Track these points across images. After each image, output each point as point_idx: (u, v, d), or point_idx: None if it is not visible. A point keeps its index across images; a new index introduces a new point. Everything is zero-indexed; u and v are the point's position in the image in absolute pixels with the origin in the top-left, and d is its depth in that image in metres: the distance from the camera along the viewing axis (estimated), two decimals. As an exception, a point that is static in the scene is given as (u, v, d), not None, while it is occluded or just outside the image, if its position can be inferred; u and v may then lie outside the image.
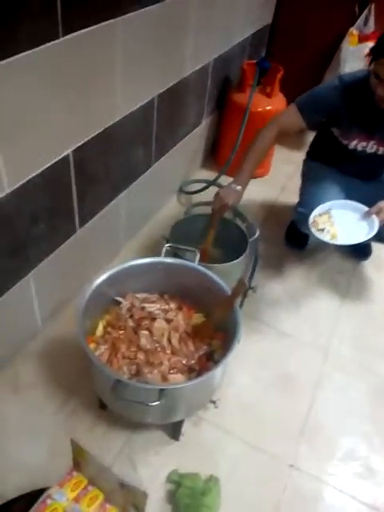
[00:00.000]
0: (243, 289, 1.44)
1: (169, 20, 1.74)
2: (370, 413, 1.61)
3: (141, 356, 1.39)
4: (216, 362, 1.36)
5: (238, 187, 1.64)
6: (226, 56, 2.42)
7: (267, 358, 1.75)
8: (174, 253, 1.64)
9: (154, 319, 1.48)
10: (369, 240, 1.69)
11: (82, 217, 1.68)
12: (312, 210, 1.72)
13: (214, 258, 1.78)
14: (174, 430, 1.45)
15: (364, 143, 1.81)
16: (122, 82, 1.58)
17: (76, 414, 1.50)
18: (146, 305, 1.53)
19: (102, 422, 1.48)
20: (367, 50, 2.57)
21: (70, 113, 1.39)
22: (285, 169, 2.78)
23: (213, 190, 2.16)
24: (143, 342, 1.42)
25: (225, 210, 1.68)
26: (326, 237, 1.66)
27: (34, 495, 1.10)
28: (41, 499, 1.08)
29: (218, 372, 1.29)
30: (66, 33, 1.23)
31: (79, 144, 1.49)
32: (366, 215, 1.71)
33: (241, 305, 1.77)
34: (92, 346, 1.40)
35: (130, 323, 1.48)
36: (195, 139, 2.51)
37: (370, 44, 2.55)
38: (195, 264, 1.55)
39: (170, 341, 1.44)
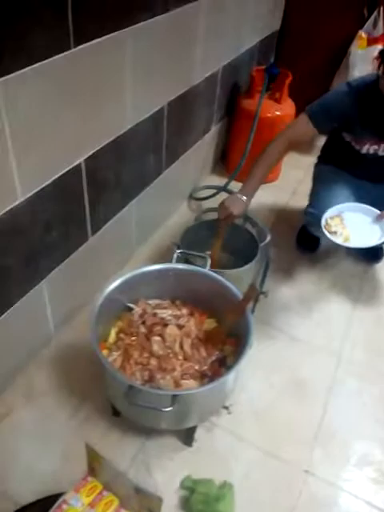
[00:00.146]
0: (255, 294, 1.44)
1: (178, 29, 1.76)
2: (385, 417, 1.60)
3: (153, 362, 1.39)
4: (228, 368, 1.36)
5: (244, 197, 1.63)
6: (234, 63, 2.44)
7: (280, 363, 1.74)
8: (185, 259, 1.65)
9: (166, 325, 1.49)
10: (382, 244, 1.68)
11: (94, 224, 1.70)
12: (322, 211, 1.72)
13: (225, 264, 1.78)
14: (187, 436, 1.45)
15: (376, 146, 1.81)
16: (133, 91, 1.60)
17: (89, 420, 1.50)
18: (157, 311, 1.54)
19: (116, 428, 1.49)
20: (376, 53, 2.59)
21: (81, 122, 1.41)
22: (295, 173, 2.78)
23: (223, 196, 2.17)
24: (155, 348, 1.42)
25: (230, 219, 1.67)
26: (338, 239, 1.65)
27: (49, 500, 1.11)
28: (56, 504, 1.08)
29: (230, 377, 1.30)
30: (77, 44, 1.26)
31: (91, 153, 1.51)
32: (378, 218, 1.71)
33: (252, 310, 1.77)
34: (105, 352, 1.41)
35: (142, 329, 1.48)
36: (205, 146, 2.52)
37: (379, 47, 2.57)
38: (206, 270, 1.55)
39: (182, 347, 1.45)
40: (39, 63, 1.16)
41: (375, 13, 2.61)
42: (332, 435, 1.53)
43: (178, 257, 1.60)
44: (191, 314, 1.57)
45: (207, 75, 2.18)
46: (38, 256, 1.46)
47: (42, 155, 1.31)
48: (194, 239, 1.81)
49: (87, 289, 1.81)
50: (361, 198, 1.81)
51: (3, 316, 1.41)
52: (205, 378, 1.39)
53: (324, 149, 2.12)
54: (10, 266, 1.36)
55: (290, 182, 2.73)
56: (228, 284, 1.49)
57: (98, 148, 1.54)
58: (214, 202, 2.31)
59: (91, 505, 1.10)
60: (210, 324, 1.56)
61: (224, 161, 2.84)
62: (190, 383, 1.35)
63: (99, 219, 1.73)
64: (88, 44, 1.30)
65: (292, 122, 1.86)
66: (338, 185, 1.91)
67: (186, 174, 2.43)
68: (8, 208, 1.26)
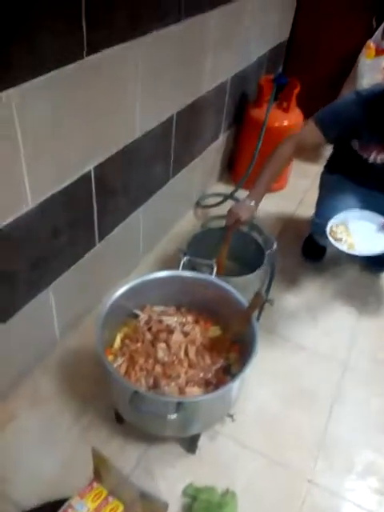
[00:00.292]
0: (260, 302, 1.45)
1: (189, 39, 1.78)
2: (389, 428, 1.60)
3: (158, 368, 1.40)
4: (233, 376, 1.37)
5: (252, 203, 1.64)
6: (243, 72, 2.46)
7: (285, 372, 1.74)
8: (191, 266, 1.66)
9: (171, 332, 1.49)
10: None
11: (102, 231, 1.72)
12: (328, 220, 1.72)
13: (231, 271, 1.79)
14: (191, 444, 1.45)
15: (382, 155, 1.81)
16: (143, 100, 1.62)
17: (92, 426, 1.51)
18: (163, 317, 1.55)
19: (118, 434, 1.49)
20: (385, 63, 2.60)
21: (91, 130, 1.43)
22: (302, 182, 2.79)
23: (230, 204, 2.18)
24: (161, 354, 1.43)
25: (238, 225, 1.68)
26: (343, 246, 1.66)
27: (54, 506, 1.12)
28: (62, 509, 1.09)
29: (235, 385, 1.30)
30: (89, 53, 1.28)
31: (100, 161, 1.53)
32: (384, 226, 1.71)
33: (258, 318, 1.77)
34: (110, 358, 1.42)
35: (148, 336, 1.49)
36: (213, 154, 2.54)
37: (388, 57, 2.57)
38: (212, 277, 1.56)
39: (187, 354, 1.45)
40: (52, 72, 1.18)
41: (383, 24, 2.62)
42: (336, 444, 1.53)
43: (184, 264, 1.61)
44: (196, 322, 1.57)
45: (216, 84, 2.20)
46: (45, 261, 1.48)
47: (53, 163, 1.33)
48: (201, 246, 1.82)
49: (93, 295, 1.83)
50: (368, 207, 1.81)
51: (9, 321, 1.42)
52: (209, 385, 1.39)
53: (331, 158, 2.12)
54: (17, 271, 1.38)
55: (297, 191, 2.74)
56: (234, 292, 1.50)
57: (108, 156, 1.56)
58: (220, 210, 2.32)
59: (96, 510, 1.11)
60: (214, 331, 1.56)
61: (231, 169, 2.86)
62: (194, 390, 1.36)
63: (107, 226, 1.75)
64: (100, 53, 1.32)
65: (300, 127, 1.88)
66: (345, 194, 1.92)
67: (193, 182, 2.44)
68: (18, 214, 1.27)
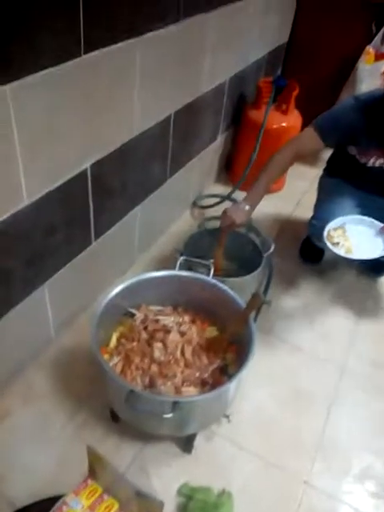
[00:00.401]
0: (258, 303, 1.44)
1: (187, 39, 1.78)
2: (386, 431, 1.59)
3: (154, 368, 1.39)
4: (230, 376, 1.36)
5: (247, 207, 1.63)
6: (242, 74, 2.46)
7: (281, 373, 1.73)
8: (188, 266, 1.65)
9: (168, 332, 1.48)
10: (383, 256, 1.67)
11: (98, 229, 1.71)
12: (326, 223, 1.72)
13: (228, 272, 1.78)
14: (187, 444, 1.44)
15: (381, 160, 1.81)
16: (140, 99, 1.62)
17: (87, 424, 1.50)
18: (160, 317, 1.54)
19: (113, 433, 1.48)
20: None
21: (88, 128, 1.42)
22: (300, 184, 2.78)
23: (227, 204, 2.17)
24: (157, 354, 1.42)
25: (232, 228, 1.67)
26: (340, 250, 1.65)
27: (47, 503, 1.11)
28: (56, 506, 1.09)
29: (232, 386, 1.29)
30: (87, 51, 1.27)
31: (97, 159, 1.52)
32: (382, 231, 1.70)
33: (255, 319, 1.77)
34: (106, 357, 1.41)
35: (144, 335, 1.48)
36: (210, 154, 2.54)
37: (387, 62, 2.58)
38: (209, 278, 1.55)
39: (183, 353, 1.44)
40: (49, 69, 1.18)
41: (383, 29, 2.63)
42: (333, 447, 1.52)
43: (181, 264, 1.61)
44: (193, 322, 1.56)
45: (215, 85, 2.20)
46: (40, 259, 1.47)
47: (49, 160, 1.32)
48: (197, 247, 1.82)
49: (88, 293, 1.82)
50: (366, 211, 1.81)
51: (4, 317, 1.41)
52: (206, 385, 1.38)
53: (329, 161, 2.12)
54: (12, 268, 1.37)
55: (294, 193, 2.74)
56: (231, 292, 1.49)
57: (105, 154, 1.55)
58: (217, 211, 2.31)
59: (91, 508, 1.10)
60: (211, 332, 1.55)
61: (228, 170, 2.85)
62: (190, 390, 1.35)
63: (103, 224, 1.74)
64: (98, 52, 1.32)
65: (299, 134, 1.87)
66: (343, 197, 1.91)
67: (191, 182, 2.44)
68: (13, 211, 1.26)
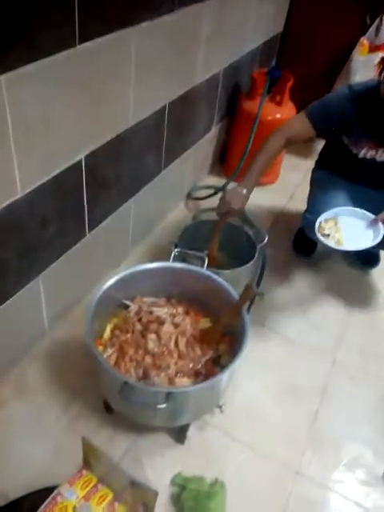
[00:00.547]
0: (251, 294, 1.45)
1: (182, 29, 1.77)
2: (377, 420, 1.61)
3: (148, 359, 1.39)
4: (222, 367, 1.37)
5: (244, 191, 1.63)
6: (236, 64, 2.45)
7: (274, 364, 1.75)
8: (182, 258, 1.65)
9: (161, 323, 1.49)
10: (374, 248, 1.69)
11: (92, 221, 1.71)
12: (318, 216, 1.73)
13: (222, 264, 1.79)
14: (180, 434, 1.46)
15: (373, 152, 1.82)
16: (135, 89, 1.61)
17: (81, 416, 1.51)
18: (154, 309, 1.54)
19: (107, 424, 1.49)
20: (378, 60, 2.60)
21: (83, 119, 1.42)
22: (293, 176, 2.79)
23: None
24: (151, 345, 1.43)
25: (230, 214, 1.68)
26: (330, 242, 1.66)
27: (41, 494, 1.12)
28: (51, 496, 1.09)
29: (224, 377, 1.30)
30: (82, 41, 1.26)
31: (92, 150, 1.52)
32: (373, 223, 1.72)
33: (248, 310, 1.78)
34: (100, 348, 1.41)
35: (138, 327, 1.48)
36: (205, 146, 2.53)
37: (381, 54, 2.58)
38: (203, 269, 1.56)
39: (177, 345, 1.45)
40: (43, 59, 1.17)
41: (377, 20, 2.62)
42: (324, 437, 1.54)
43: (175, 255, 1.61)
44: (187, 313, 1.57)
45: (209, 76, 2.19)
46: (34, 251, 1.46)
47: (44, 151, 1.31)
48: (192, 238, 1.82)
49: (83, 285, 1.82)
50: (358, 204, 1.82)
51: (-2, 309, 1.41)
52: (199, 376, 1.39)
53: (322, 153, 2.13)
54: (6, 260, 1.36)
55: (288, 185, 2.74)
56: (224, 284, 1.50)
57: (99, 145, 1.55)
58: (211, 202, 2.32)
59: (86, 497, 1.11)
60: (204, 323, 1.56)
61: (223, 161, 2.85)
62: (184, 381, 1.36)
63: (97, 216, 1.74)
64: (93, 42, 1.31)
65: (291, 119, 1.88)
66: (336, 190, 1.92)
67: (185, 174, 2.43)
68: (7, 202, 1.26)
